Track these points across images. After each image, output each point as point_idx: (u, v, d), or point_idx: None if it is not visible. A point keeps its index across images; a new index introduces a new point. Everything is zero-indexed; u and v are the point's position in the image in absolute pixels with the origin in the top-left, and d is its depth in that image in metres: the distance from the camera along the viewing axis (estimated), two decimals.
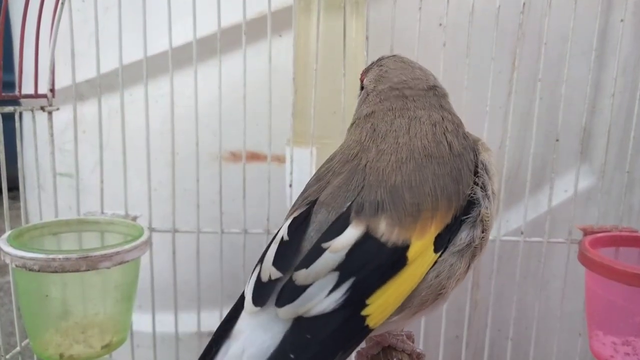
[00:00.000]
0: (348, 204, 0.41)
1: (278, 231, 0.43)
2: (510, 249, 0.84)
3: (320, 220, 0.41)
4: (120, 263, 0.61)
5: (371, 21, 0.72)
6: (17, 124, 0.72)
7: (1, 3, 0.70)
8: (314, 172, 0.69)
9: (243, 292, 0.41)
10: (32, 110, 0.75)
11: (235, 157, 0.83)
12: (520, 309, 0.84)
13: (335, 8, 0.70)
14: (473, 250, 0.42)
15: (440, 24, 0.78)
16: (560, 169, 0.82)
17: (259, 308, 0.38)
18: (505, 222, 0.85)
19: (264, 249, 0.43)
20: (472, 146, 0.46)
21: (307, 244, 0.40)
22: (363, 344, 0.47)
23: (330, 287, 0.37)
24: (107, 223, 0.71)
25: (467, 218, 0.42)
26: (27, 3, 0.73)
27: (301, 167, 0.72)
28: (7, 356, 0.71)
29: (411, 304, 0.40)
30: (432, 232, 0.40)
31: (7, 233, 0.64)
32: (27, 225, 0.68)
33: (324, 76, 0.71)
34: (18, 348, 0.73)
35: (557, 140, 0.74)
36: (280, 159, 0.82)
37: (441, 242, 0.40)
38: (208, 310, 0.84)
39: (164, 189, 0.83)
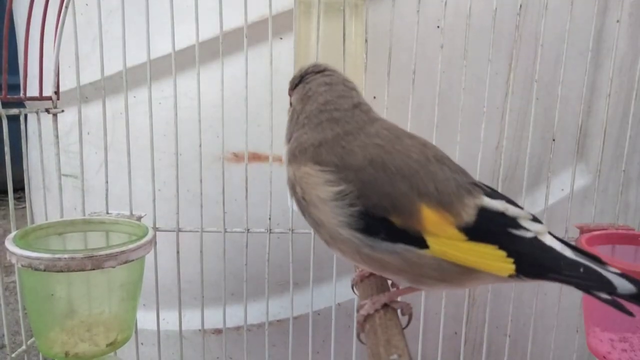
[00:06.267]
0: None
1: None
2: None
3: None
4: (125, 262, 0.60)
5: (370, 24, 0.73)
6: (22, 126, 0.73)
7: (5, 7, 0.70)
8: None
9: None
10: (37, 112, 0.75)
11: (237, 157, 0.84)
12: (518, 306, 0.85)
13: (335, 11, 0.71)
14: None
15: (438, 27, 0.78)
16: (556, 168, 0.83)
17: None
18: None
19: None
20: None
21: None
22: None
23: None
24: (112, 223, 0.71)
25: None
26: (31, 6, 0.74)
27: None
28: (13, 355, 0.71)
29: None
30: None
31: (13, 233, 0.63)
32: (33, 226, 0.67)
33: None
34: (24, 347, 0.73)
35: (554, 139, 0.74)
36: (281, 159, 0.82)
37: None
38: (211, 308, 0.85)
39: (168, 189, 0.83)
